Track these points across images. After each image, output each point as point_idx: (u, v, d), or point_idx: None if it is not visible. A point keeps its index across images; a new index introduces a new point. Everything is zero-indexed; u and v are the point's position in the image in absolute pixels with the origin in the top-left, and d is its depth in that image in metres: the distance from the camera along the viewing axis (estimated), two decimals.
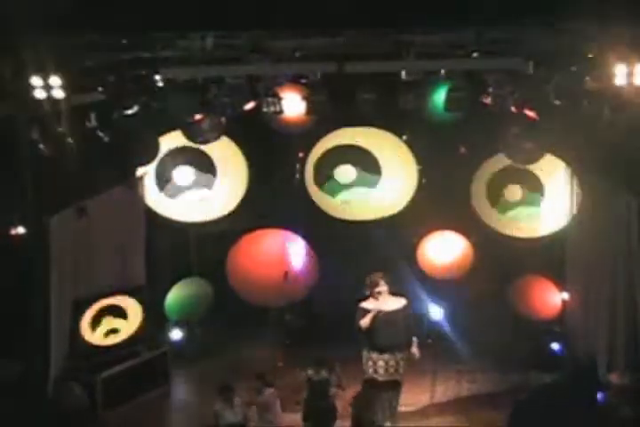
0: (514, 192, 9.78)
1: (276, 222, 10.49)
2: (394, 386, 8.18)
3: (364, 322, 8.02)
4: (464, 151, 10.60)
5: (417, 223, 10.23)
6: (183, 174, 9.74)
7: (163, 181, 9.74)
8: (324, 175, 9.92)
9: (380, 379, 8.08)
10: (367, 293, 8.20)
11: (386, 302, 8.13)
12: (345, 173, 9.82)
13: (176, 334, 10.23)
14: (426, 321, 10.08)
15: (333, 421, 7.89)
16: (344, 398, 8.02)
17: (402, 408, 8.47)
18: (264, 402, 7.94)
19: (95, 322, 9.02)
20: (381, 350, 8.09)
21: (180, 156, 9.57)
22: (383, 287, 8.12)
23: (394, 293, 8.28)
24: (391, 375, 8.15)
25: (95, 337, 9.01)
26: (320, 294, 10.36)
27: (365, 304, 8.16)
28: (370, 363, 8.14)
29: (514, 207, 9.84)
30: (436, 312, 10.27)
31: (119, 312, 9.27)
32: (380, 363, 8.12)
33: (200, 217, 10.04)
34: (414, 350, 8.15)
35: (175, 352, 9.81)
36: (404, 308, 8.20)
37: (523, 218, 9.82)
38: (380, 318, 8.04)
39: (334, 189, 9.95)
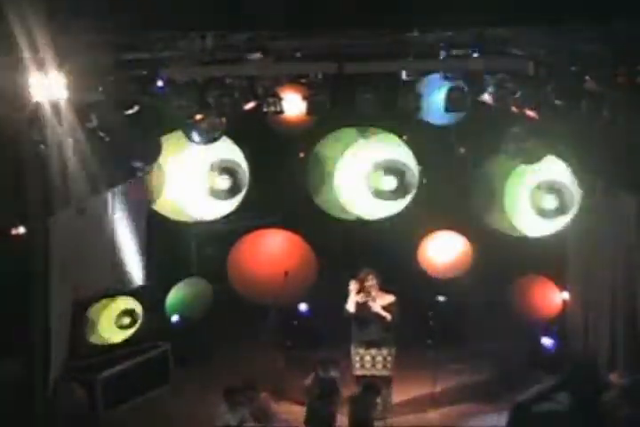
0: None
1: (276, 222, 10.49)
2: (383, 382, 8.24)
3: (349, 306, 8.22)
4: (464, 151, 10.61)
5: (417, 223, 10.23)
6: None
7: None
8: None
9: (368, 374, 8.15)
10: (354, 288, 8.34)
11: (374, 297, 8.24)
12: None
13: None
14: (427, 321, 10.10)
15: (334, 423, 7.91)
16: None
17: (402, 408, 8.51)
18: (258, 408, 7.95)
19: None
20: (367, 346, 8.19)
21: None
22: (371, 282, 8.24)
23: (384, 289, 8.37)
24: (379, 371, 8.23)
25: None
26: (320, 295, 10.35)
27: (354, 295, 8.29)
28: (357, 358, 8.26)
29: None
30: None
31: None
32: (367, 358, 8.25)
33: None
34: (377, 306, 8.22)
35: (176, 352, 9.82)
36: (392, 304, 8.29)
37: None
38: (367, 313, 8.15)
39: None
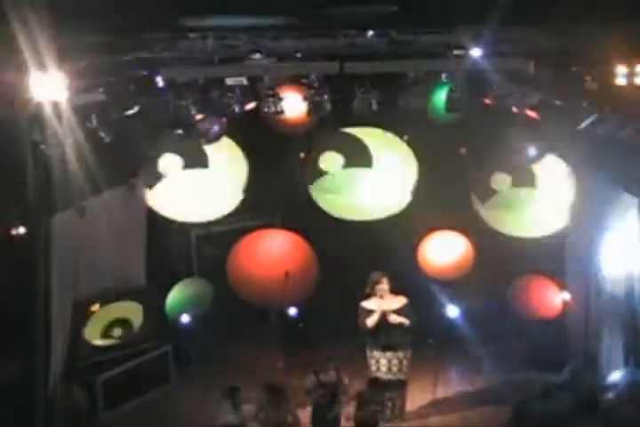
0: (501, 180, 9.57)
1: (276, 222, 10.48)
2: (398, 385, 8.19)
3: (370, 322, 8.01)
4: (464, 152, 10.60)
5: (417, 223, 10.23)
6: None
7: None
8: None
9: (384, 377, 8.09)
10: (368, 291, 8.22)
11: (387, 301, 8.15)
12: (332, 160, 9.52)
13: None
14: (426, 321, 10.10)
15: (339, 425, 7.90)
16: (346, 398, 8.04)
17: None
18: (285, 413, 7.84)
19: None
20: (383, 349, 8.12)
21: None
22: (385, 286, 8.16)
23: (394, 291, 8.31)
24: (395, 374, 8.17)
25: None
26: (320, 295, 10.34)
27: (367, 304, 8.16)
28: (372, 361, 8.18)
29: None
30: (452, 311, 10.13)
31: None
32: (383, 361, 8.16)
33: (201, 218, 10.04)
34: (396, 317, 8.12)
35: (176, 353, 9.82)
36: (404, 306, 8.23)
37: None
38: (383, 320, 8.07)
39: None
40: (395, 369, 8.20)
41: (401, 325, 8.13)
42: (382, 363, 8.20)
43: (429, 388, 9.19)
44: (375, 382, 7.96)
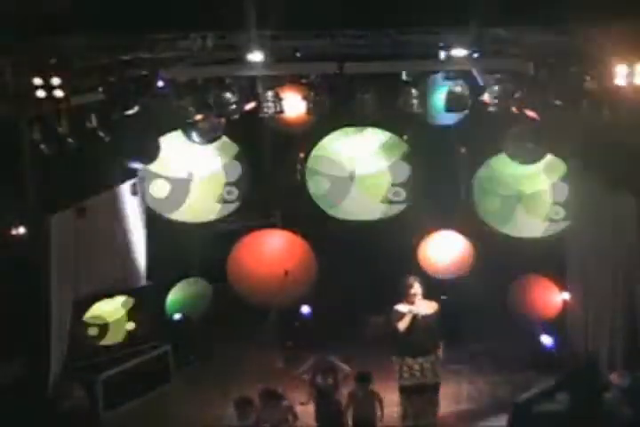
0: None
1: (276, 222, 10.49)
2: (434, 389, 8.10)
3: (402, 324, 7.95)
4: (464, 151, 10.60)
5: (417, 223, 10.22)
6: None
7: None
8: None
9: (418, 383, 8.01)
10: (403, 295, 8.14)
11: (420, 305, 8.07)
12: None
13: None
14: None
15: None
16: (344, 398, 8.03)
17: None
18: (279, 417, 7.82)
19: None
20: (416, 355, 8.00)
21: None
22: (418, 290, 8.07)
23: (425, 296, 8.20)
24: (429, 379, 8.04)
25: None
26: (320, 295, 10.34)
27: (400, 307, 8.10)
28: (405, 368, 8.03)
29: None
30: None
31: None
32: (416, 367, 8.01)
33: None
34: (440, 352, 8.10)
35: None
36: (437, 311, 8.13)
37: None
38: (417, 322, 7.99)
39: None
40: (429, 374, 8.02)
41: (431, 329, 8.01)
42: (415, 369, 8.03)
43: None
44: (365, 379, 7.90)
